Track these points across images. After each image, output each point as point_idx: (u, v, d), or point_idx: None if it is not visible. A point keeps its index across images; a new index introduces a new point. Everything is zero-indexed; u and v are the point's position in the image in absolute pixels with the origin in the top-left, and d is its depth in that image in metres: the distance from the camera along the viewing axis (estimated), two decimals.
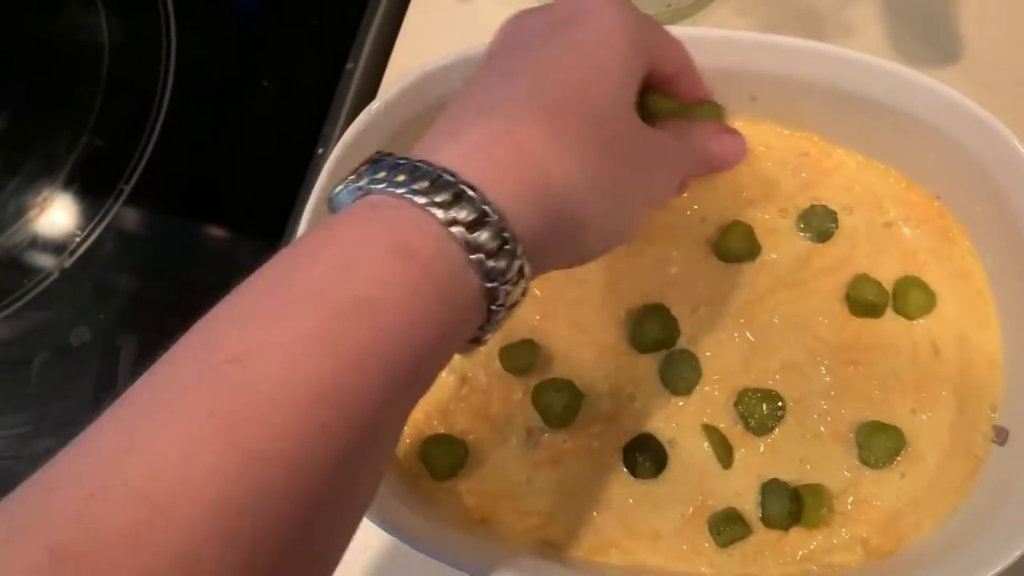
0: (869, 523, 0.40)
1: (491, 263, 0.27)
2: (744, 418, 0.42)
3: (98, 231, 0.54)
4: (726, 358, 0.43)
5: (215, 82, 0.57)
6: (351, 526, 0.26)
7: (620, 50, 0.32)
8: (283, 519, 0.23)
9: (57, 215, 0.55)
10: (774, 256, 0.45)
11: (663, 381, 0.43)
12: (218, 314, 0.25)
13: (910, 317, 0.43)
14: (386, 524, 0.38)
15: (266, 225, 0.51)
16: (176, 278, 0.53)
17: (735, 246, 0.45)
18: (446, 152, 0.28)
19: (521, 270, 0.28)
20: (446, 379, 0.44)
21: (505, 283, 0.27)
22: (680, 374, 0.42)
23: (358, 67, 0.55)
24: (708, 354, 0.43)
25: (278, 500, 0.22)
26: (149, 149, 0.55)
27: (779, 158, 0.47)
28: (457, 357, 0.42)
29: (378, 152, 0.29)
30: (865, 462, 0.41)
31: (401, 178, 0.27)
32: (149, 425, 0.23)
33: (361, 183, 0.27)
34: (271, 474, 0.22)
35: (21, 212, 0.55)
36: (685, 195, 0.45)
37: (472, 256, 0.26)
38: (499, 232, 0.27)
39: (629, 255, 0.45)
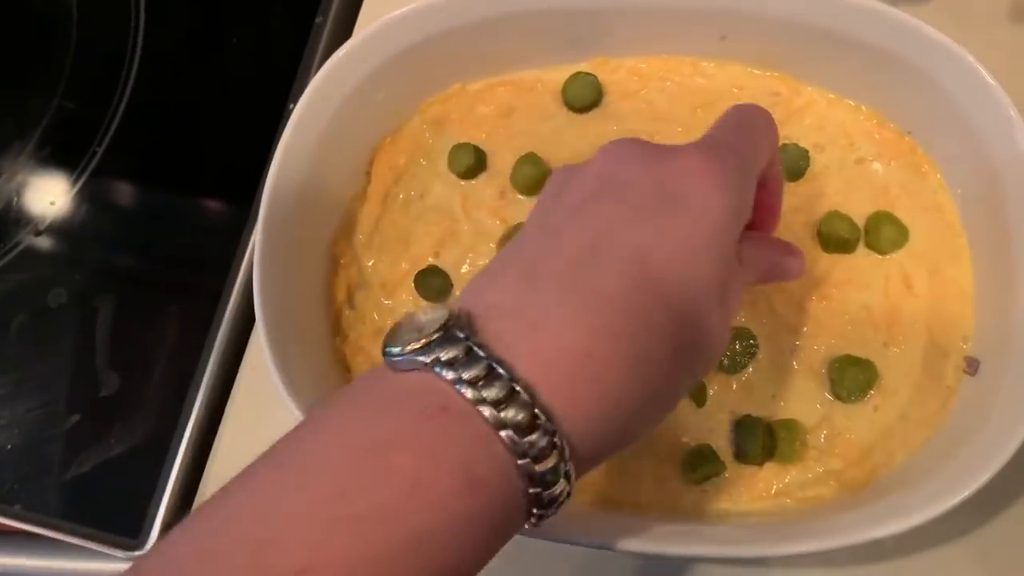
0: (842, 456, 0.40)
1: (539, 469, 0.26)
2: None
3: (72, 193, 0.53)
4: None
5: (184, 40, 0.57)
6: None
7: (720, 242, 0.29)
8: None
9: (31, 178, 0.55)
10: None
11: None
12: (271, 502, 0.24)
13: (882, 252, 0.43)
14: None
15: (238, 181, 0.51)
16: (151, 237, 0.52)
17: None
18: (523, 355, 0.26)
19: (566, 474, 0.27)
20: None
21: (551, 495, 0.27)
22: None
23: (327, 21, 0.54)
24: None
25: None
26: (121, 110, 0.55)
27: (750, 99, 0.46)
28: None
29: (454, 316, 0.27)
30: (838, 396, 0.41)
31: (472, 375, 0.25)
32: None
33: (427, 358, 0.26)
34: None
35: None
36: None
37: (529, 482, 0.26)
38: (560, 461, 0.26)
39: None
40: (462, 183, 0.47)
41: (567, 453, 0.26)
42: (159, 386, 0.48)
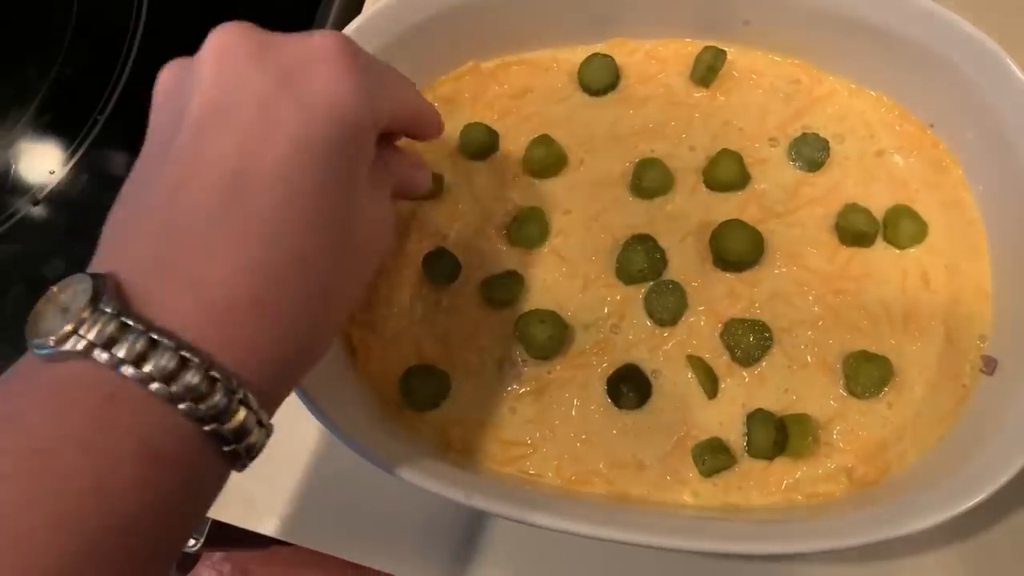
0: (854, 453, 0.40)
1: (228, 428, 0.25)
2: (730, 348, 0.41)
3: (72, 162, 0.52)
4: (712, 288, 0.42)
5: (190, 9, 0.55)
6: None
7: (348, 130, 0.28)
8: None
9: (30, 147, 0.53)
10: (764, 186, 0.44)
11: (648, 312, 0.42)
12: None
13: (900, 247, 0.42)
14: (369, 454, 0.37)
15: None
16: None
17: (724, 175, 0.44)
18: (185, 316, 0.25)
19: (259, 422, 0.26)
20: (429, 312, 0.43)
21: (248, 445, 0.26)
22: (665, 304, 0.42)
23: None
24: (695, 284, 0.42)
25: None
26: (124, 78, 0.53)
27: (770, 86, 0.46)
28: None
29: (100, 286, 0.24)
30: (852, 392, 0.40)
31: (133, 352, 0.23)
32: None
33: (79, 345, 0.23)
34: None
35: None
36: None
37: (221, 441, 0.25)
38: (248, 413, 0.25)
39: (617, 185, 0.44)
40: (473, 164, 0.46)
41: (254, 403, 0.25)
42: None
